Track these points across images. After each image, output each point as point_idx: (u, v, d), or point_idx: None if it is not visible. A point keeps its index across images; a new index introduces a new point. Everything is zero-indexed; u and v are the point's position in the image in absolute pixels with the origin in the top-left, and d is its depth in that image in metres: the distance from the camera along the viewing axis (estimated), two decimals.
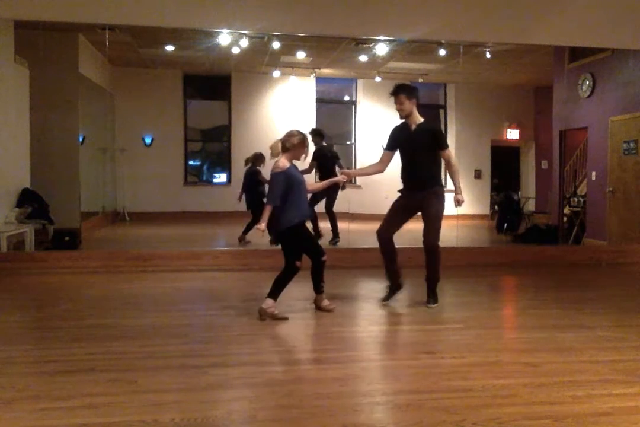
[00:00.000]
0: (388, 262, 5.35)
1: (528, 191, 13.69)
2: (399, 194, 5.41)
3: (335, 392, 3.25)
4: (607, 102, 9.86)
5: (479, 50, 10.01)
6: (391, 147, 5.40)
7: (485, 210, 13.24)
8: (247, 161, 9.27)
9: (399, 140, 5.35)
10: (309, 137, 9.34)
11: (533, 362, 3.80)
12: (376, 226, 5.31)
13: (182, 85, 13.18)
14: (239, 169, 13.16)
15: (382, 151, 5.44)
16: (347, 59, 11.21)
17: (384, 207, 5.38)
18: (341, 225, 9.56)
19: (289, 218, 4.82)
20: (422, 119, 5.26)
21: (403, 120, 5.32)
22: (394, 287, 5.46)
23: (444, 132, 5.27)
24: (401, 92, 5.20)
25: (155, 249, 7.90)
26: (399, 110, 5.24)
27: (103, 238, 9.98)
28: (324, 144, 9.47)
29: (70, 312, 5.10)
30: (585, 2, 7.91)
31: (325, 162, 9.11)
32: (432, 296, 5.32)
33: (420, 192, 5.19)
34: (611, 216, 9.75)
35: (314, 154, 9.10)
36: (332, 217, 9.19)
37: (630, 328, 4.74)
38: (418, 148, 5.17)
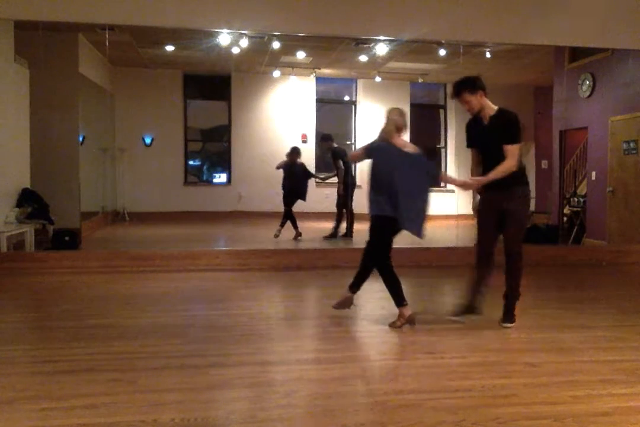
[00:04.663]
0: (478, 279, 4.72)
1: None
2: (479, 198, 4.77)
3: (335, 392, 3.25)
4: (607, 102, 9.86)
5: (479, 50, 10.01)
6: (470, 144, 4.83)
7: None
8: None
9: (473, 136, 4.77)
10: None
11: (533, 362, 3.80)
12: None
13: (182, 85, 13.19)
14: (239, 169, 13.25)
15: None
16: (347, 59, 11.21)
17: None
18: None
19: None
20: (495, 109, 4.59)
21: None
22: (469, 309, 4.76)
23: (516, 123, 4.52)
24: (462, 90, 4.53)
25: (155, 249, 7.90)
26: (468, 110, 4.63)
27: (103, 238, 9.97)
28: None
29: (70, 312, 5.10)
30: (585, 2, 7.92)
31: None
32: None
33: (502, 192, 4.55)
34: (611, 215, 9.75)
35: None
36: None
37: (630, 328, 4.74)
38: (494, 143, 4.52)
